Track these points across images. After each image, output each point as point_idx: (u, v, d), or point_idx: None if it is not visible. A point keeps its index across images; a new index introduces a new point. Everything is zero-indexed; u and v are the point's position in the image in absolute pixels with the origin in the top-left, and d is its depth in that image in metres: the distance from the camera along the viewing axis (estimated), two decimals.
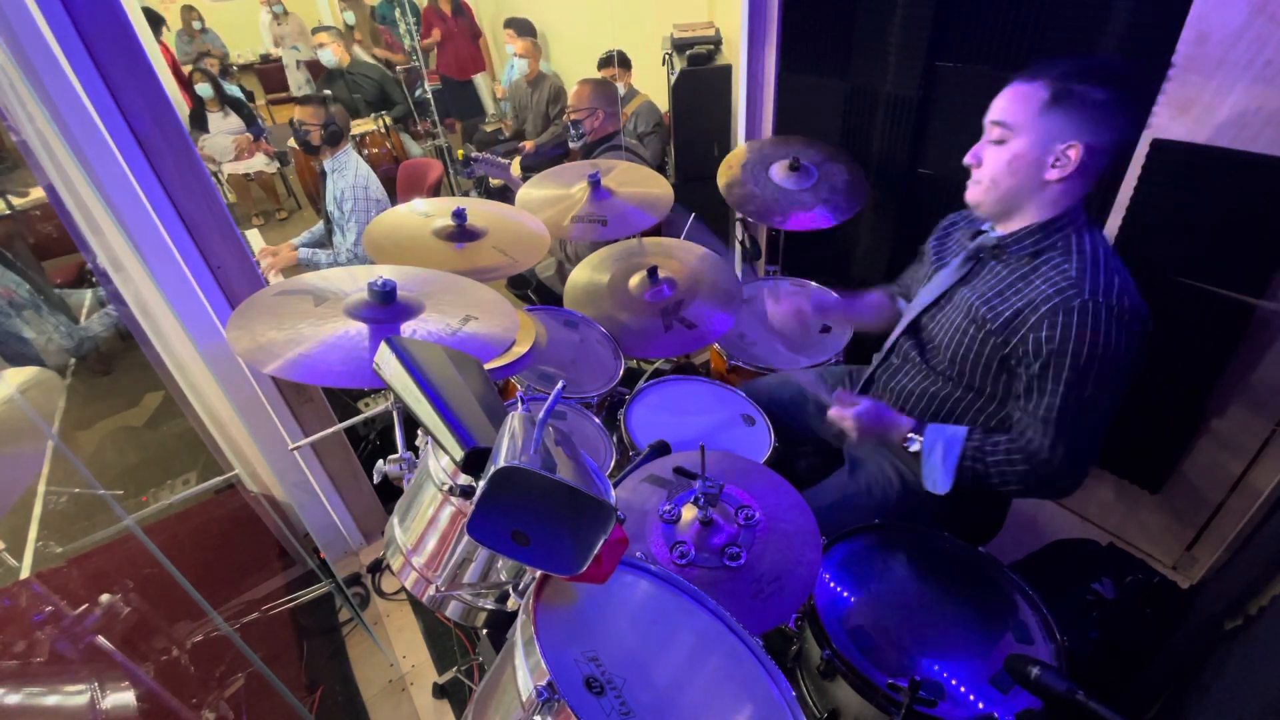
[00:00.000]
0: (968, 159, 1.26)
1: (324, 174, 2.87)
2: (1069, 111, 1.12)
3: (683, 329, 1.83)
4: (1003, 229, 1.28)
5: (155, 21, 5.57)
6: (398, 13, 5.65)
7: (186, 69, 5.52)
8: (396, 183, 4.00)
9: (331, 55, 4.58)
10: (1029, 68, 1.18)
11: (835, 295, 1.70)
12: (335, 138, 2.76)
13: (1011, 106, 1.18)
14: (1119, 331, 1.11)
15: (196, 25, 6.02)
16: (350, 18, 5.89)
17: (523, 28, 4.76)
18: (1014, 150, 1.18)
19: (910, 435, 1.33)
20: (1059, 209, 1.20)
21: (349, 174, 2.77)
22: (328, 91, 4.47)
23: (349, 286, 1.34)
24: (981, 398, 1.34)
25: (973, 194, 1.28)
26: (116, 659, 1.28)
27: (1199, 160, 1.46)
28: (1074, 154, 1.14)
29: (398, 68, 5.27)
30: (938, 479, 1.30)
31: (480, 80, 5.61)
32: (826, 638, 1.12)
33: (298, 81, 6.13)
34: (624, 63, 3.51)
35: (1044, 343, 1.15)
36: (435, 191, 3.78)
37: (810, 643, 1.18)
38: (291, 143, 2.95)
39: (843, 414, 1.37)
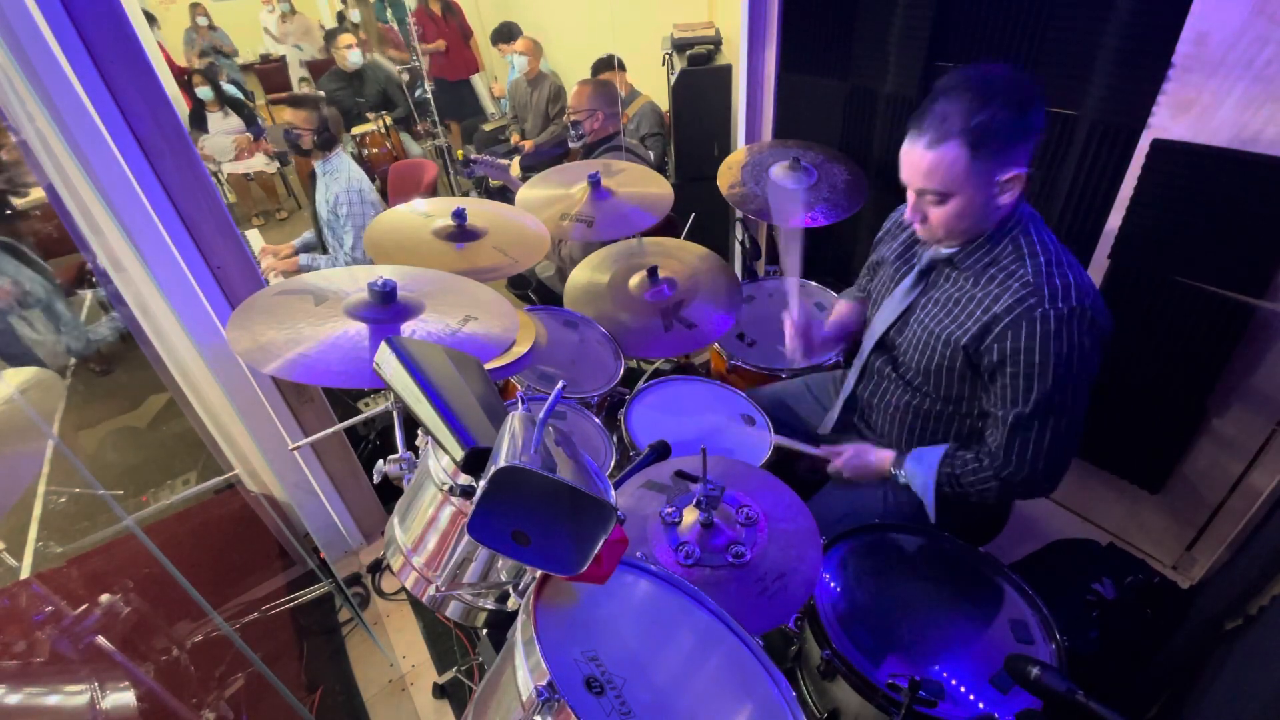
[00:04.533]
0: (912, 220, 1.24)
1: (314, 176, 2.81)
2: (996, 150, 1.09)
3: (683, 329, 1.83)
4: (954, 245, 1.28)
5: (149, 21, 5.52)
6: (389, 13, 5.65)
7: (197, 62, 5.50)
8: (388, 184, 3.98)
9: (358, 56, 4.58)
10: (925, 127, 1.13)
11: (827, 322, 1.74)
12: (329, 143, 2.69)
13: (936, 174, 1.14)
14: (1079, 335, 1.12)
15: (202, 21, 6.00)
16: (356, 16, 5.87)
17: (509, 33, 4.75)
18: (958, 204, 1.16)
19: (893, 471, 1.38)
20: (1005, 213, 1.21)
21: (342, 178, 2.71)
22: (321, 92, 4.46)
23: (349, 286, 1.34)
24: (961, 407, 1.34)
25: (928, 237, 1.27)
26: (116, 659, 1.28)
27: (1199, 160, 1.46)
28: (1018, 178, 1.13)
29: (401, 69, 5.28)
30: (925, 507, 1.34)
31: (478, 80, 5.61)
32: (826, 638, 1.12)
33: (295, 81, 6.12)
34: (619, 65, 3.52)
35: (1009, 354, 1.16)
36: (432, 193, 3.77)
37: (810, 643, 1.18)
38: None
39: (833, 466, 1.47)
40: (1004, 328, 1.16)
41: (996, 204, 1.17)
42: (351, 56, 4.58)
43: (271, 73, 6.56)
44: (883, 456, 1.39)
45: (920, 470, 1.33)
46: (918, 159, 1.15)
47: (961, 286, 1.27)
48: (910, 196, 1.23)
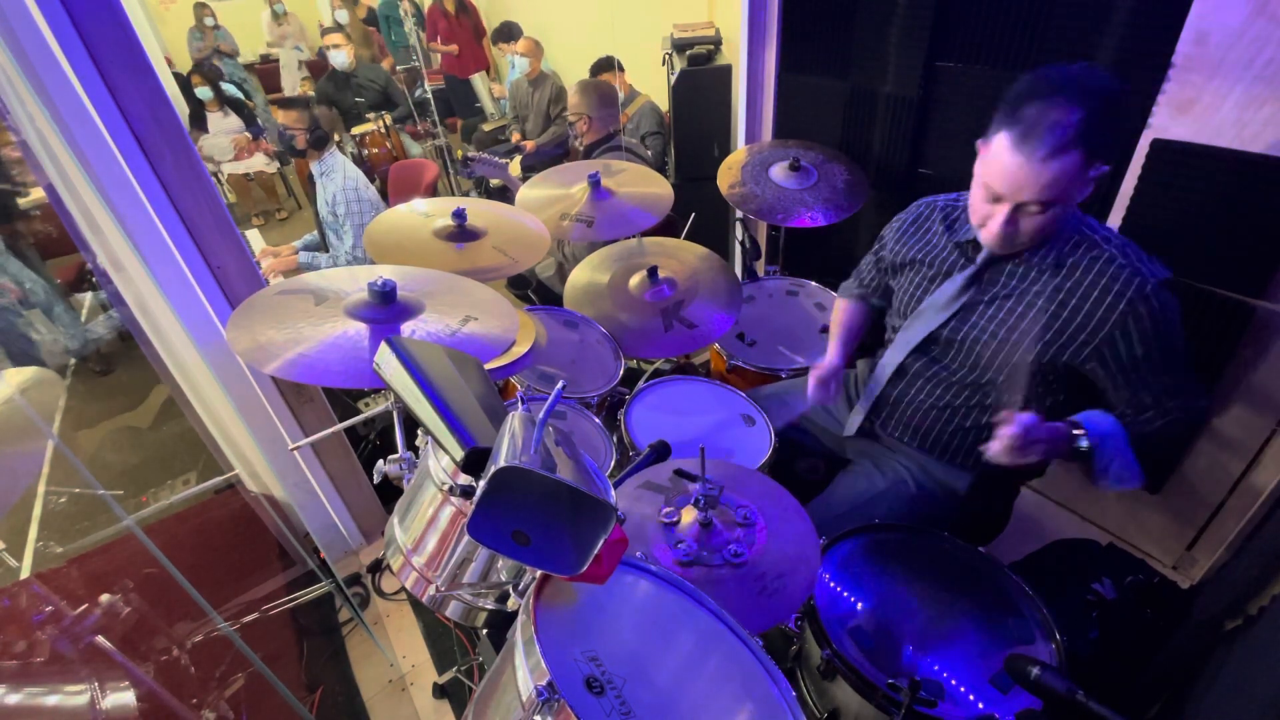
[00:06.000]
0: (1003, 228, 1.18)
1: (313, 178, 2.82)
2: (1099, 150, 1.09)
3: (683, 329, 1.83)
4: None
5: None
6: (402, 10, 5.64)
7: (199, 59, 5.51)
8: (388, 184, 3.97)
9: (344, 57, 4.56)
10: (1038, 138, 1.06)
11: (834, 356, 1.61)
12: (321, 141, 2.69)
13: (1055, 186, 1.10)
14: (1176, 300, 1.20)
15: (209, 22, 6.01)
16: (343, 17, 5.86)
17: (510, 32, 4.76)
18: (1060, 209, 1.15)
19: (1077, 433, 1.23)
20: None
21: (337, 177, 2.71)
22: (310, 93, 4.46)
23: (349, 286, 1.34)
24: (1018, 397, 1.32)
25: (1009, 245, 1.22)
26: (116, 659, 1.28)
27: (1199, 160, 1.46)
28: (1103, 174, 1.13)
29: (400, 68, 5.28)
30: (1125, 474, 1.25)
31: (478, 80, 5.61)
32: (826, 638, 1.12)
33: (293, 82, 6.11)
34: (618, 66, 3.51)
35: (1140, 335, 1.18)
36: (432, 193, 3.76)
37: (810, 643, 1.18)
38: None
39: (1013, 433, 1.15)
40: (1121, 313, 1.17)
41: (1078, 200, 1.16)
42: (335, 56, 4.57)
43: (272, 72, 6.58)
44: (1055, 425, 1.22)
45: (1106, 435, 1.23)
46: (1036, 172, 1.09)
47: (1034, 279, 1.26)
48: (1002, 209, 1.17)
